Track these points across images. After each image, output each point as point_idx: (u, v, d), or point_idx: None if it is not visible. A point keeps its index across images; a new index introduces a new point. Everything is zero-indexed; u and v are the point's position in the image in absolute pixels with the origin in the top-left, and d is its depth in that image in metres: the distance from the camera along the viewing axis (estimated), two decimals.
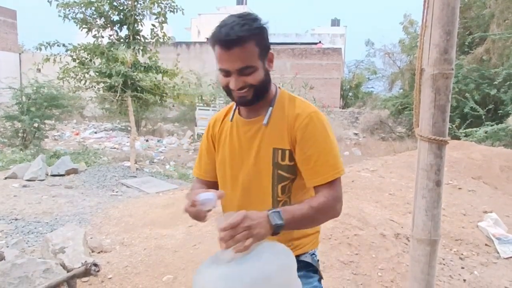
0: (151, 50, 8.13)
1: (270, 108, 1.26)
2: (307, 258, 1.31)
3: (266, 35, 1.20)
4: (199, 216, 1.20)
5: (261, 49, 1.17)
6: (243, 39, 1.12)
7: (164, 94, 8.25)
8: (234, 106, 1.34)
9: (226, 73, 1.18)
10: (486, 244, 3.79)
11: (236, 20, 1.15)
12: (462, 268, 3.28)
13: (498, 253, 3.65)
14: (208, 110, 13.45)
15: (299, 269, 1.09)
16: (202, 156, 1.43)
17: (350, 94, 25.72)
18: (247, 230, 0.98)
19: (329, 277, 2.81)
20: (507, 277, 3.20)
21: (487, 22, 12.02)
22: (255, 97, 1.21)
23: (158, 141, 14.07)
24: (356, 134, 16.82)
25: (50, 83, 10.29)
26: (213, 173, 1.40)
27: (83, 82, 7.86)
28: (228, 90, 1.22)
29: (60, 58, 7.66)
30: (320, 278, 1.34)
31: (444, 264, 3.27)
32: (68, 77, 7.72)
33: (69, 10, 7.56)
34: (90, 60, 7.87)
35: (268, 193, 1.27)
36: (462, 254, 3.56)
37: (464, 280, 3.08)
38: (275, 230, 1.04)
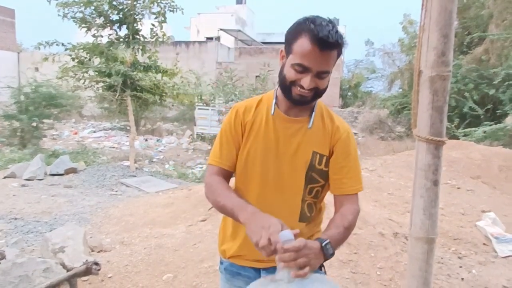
0: (150, 49, 8.14)
1: (313, 112, 1.30)
2: None
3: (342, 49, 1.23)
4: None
5: (337, 59, 1.21)
6: (337, 45, 1.14)
7: (164, 94, 8.26)
8: (274, 100, 1.30)
9: (303, 70, 1.15)
10: (484, 243, 3.81)
11: (330, 25, 1.13)
12: (460, 267, 3.30)
13: (496, 252, 3.67)
14: (208, 109, 13.46)
15: None
16: (224, 143, 1.32)
17: (349, 93, 25.76)
18: (307, 259, 1.01)
19: (328, 276, 2.82)
20: (505, 276, 3.22)
21: (485, 22, 12.05)
22: (312, 100, 1.23)
23: (157, 140, 14.07)
24: (355, 133, 16.85)
25: (49, 82, 10.30)
26: (234, 162, 1.32)
27: (82, 81, 7.87)
28: (288, 85, 1.19)
29: (59, 57, 7.66)
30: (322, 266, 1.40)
31: (442, 263, 3.29)
32: (67, 76, 7.73)
33: (68, 9, 7.56)
34: (89, 60, 7.87)
35: (299, 193, 1.31)
36: (460, 253, 3.58)
37: (462, 279, 3.10)
38: (327, 259, 1.10)
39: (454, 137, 9.55)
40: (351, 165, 1.30)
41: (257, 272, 1.36)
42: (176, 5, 7.90)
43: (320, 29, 1.10)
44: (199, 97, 9.95)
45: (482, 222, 4.14)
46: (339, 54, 1.19)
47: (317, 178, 1.30)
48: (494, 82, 10.45)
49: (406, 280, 1.07)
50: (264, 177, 1.29)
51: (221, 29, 25.47)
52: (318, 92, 1.20)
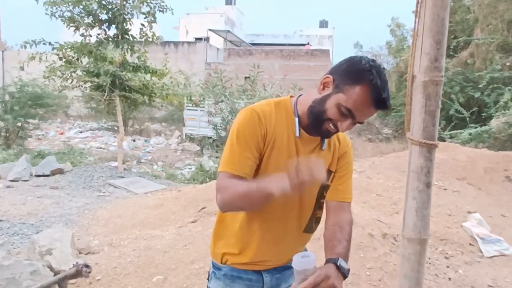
0: (139, 49, 8.08)
1: None
2: None
3: None
4: None
5: None
6: (388, 108, 1.16)
7: (153, 94, 8.21)
8: (297, 119, 1.25)
9: (347, 116, 1.14)
10: (470, 244, 3.88)
11: (388, 88, 1.14)
12: (447, 267, 3.36)
13: (481, 252, 3.75)
14: (197, 110, 13.41)
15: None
16: (243, 150, 1.19)
17: None
18: (331, 284, 1.01)
19: None
20: (490, 275, 3.29)
21: (471, 26, 12.29)
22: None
23: (145, 141, 13.97)
24: None
25: (35, 81, 10.14)
26: (249, 170, 1.20)
27: (69, 81, 7.76)
28: (323, 119, 1.17)
29: (46, 57, 7.54)
30: None
31: (430, 263, 3.34)
32: (54, 76, 7.62)
33: (56, 8, 7.46)
34: (77, 59, 7.77)
35: (311, 208, 1.35)
36: (447, 253, 3.64)
37: (449, 279, 3.15)
38: (346, 276, 1.10)
39: (441, 139, 9.71)
40: (349, 176, 1.38)
41: (259, 274, 1.35)
42: (165, 5, 7.87)
43: (383, 88, 1.10)
44: (188, 97, 9.92)
45: (468, 223, 4.22)
46: None
47: (325, 193, 1.35)
48: (479, 85, 10.65)
49: (398, 280, 1.09)
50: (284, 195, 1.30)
51: (210, 30, 25.42)
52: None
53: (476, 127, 9.60)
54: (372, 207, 4.48)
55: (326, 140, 1.31)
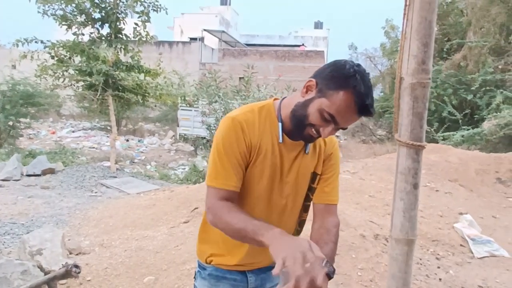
0: (133, 49, 8.04)
1: None
2: None
3: None
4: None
5: None
6: (369, 116, 1.14)
7: (147, 94, 8.17)
8: (280, 125, 1.23)
9: (330, 121, 1.11)
10: (461, 245, 3.91)
11: (372, 93, 1.12)
12: (438, 267, 3.38)
13: (472, 253, 3.78)
14: (191, 110, 13.38)
15: None
16: (229, 162, 1.18)
17: None
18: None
19: None
20: (480, 276, 3.31)
21: (464, 29, 12.40)
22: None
23: (138, 141, 13.91)
24: (337, 136, 17.02)
25: (26, 80, 10.06)
26: (238, 182, 1.21)
27: (61, 80, 7.70)
28: (305, 124, 1.15)
29: (38, 55, 7.48)
30: None
31: (421, 264, 3.36)
32: (46, 74, 7.55)
33: (48, 7, 7.41)
34: (70, 58, 7.72)
35: (297, 213, 1.36)
36: (438, 254, 3.66)
37: (440, 279, 3.17)
38: (331, 278, 1.08)
39: (434, 140, 9.78)
40: (335, 177, 1.34)
41: (244, 275, 1.36)
42: (160, 4, 7.84)
43: (367, 94, 1.08)
44: (182, 97, 9.88)
45: (459, 224, 4.25)
46: None
47: (311, 196, 1.35)
48: (472, 88, 10.75)
49: (386, 281, 1.09)
50: (269, 200, 1.29)
51: (205, 30, 25.38)
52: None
53: (468, 129, 9.68)
54: (365, 208, 4.49)
55: (310, 144, 1.30)
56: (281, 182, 1.27)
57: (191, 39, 26.25)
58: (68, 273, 2.31)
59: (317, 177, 1.33)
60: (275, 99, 1.32)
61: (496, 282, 3.22)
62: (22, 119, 10.48)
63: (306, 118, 1.13)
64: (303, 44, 29.47)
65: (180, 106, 13.61)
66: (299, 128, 1.17)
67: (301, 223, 1.40)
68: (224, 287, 1.35)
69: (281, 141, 1.23)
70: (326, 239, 1.21)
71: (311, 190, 1.33)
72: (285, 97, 1.29)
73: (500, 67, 11.03)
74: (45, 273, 2.94)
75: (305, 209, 1.37)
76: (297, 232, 1.41)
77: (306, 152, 1.28)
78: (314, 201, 1.34)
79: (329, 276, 1.06)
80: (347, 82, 1.08)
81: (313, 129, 1.14)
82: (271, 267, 1.33)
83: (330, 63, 1.17)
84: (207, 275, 1.37)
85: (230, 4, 33.61)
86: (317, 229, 1.26)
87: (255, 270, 1.36)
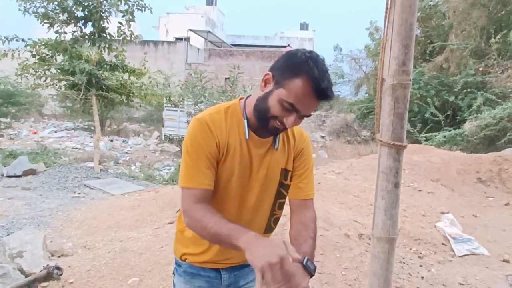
0: (117, 48, 7.94)
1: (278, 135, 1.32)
2: None
3: None
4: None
5: None
6: (331, 98, 1.14)
7: (131, 94, 8.08)
8: (246, 122, 1.25)
9: (291, 110, 1.12)
10: (443, 243, 3.99)
11: (329, 77, 1.12)
12: (421, 266, 3.44)
13: (453, 251, 3.86)
14: (176, 111, 13.29)
15: None
16: (199, 161, 1.20)
17: None
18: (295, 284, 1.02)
19: None
20: (461, 273, 3.38)
21: (446, 32, 12.64)
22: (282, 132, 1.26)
23: (123, 141, 13.73)
24: (323, 137, 17.17)
25: (7, 79, 9.84)
26: (211, 180, 1.23)
27: (43, 79, 7.56)
28: (268, 117, 1.16)
29: (19, 54, 7.32)
30: None
31: (404, 263, 3.41)
32: (27, 73, 7.40)
33: (30, 4, 7.26)
34: (52, 57, 7.58)
35: (269, 209, 1.36)
36: (420, 253, 3.72)
37: (422, 278, 3.23)
38: (312, 275, 1.10)
39: (417, 141, 9.94)
40: (308, 172, 1.35)
41: (217, 272, 1.38)
42: (144, 4, 7.77)
43: (322, 78, 1.09)
44: (168, 98, 9.81)
45: (441, 223, 4.33)
46: None
47: (284, 193, 1.36)
48: (454, 90, 10.97)
49: (368, 278, 1.11)
50: (241, 198, 1.30)
51: (190, 30, 25.25)
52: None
53: (450, 130, 9.87)
54: (349, 208, 4.54)
55: (279, 139, 1.30)
56: (251, 179, 1.29)
57: (177, 39, 26.07)
58: (49, 275, 2.27)
59: (289, 174, 1.34)
60: (241, 98, 1.34)
61: (476, 280, 3.29)
62: (2, 119, 10.28)
63: (268, 111, 1.15)
64: (289, 45, 29.56)
65: (166, 106, 13.51)
66: (263, 122, 1.18)
67: (275, 221, 1.40)
68: (199, 284, 1.38)
69: (247, 138, 1.24)
70: (305, 235, 1.23)
71: (283, 187, 1.34)
72: (250, 95, 1.30)
73: (481, 69, 11.28)
74: (26, 276, 2.88)
75: (279, 206, 1.37)
76: (271, 229, 1.41)
77: (276, 147, 1.29)
78: (289, 197, 1.35)
79: (311, 274, 1.07)
80: (300, 69, 1.09)
81: (277, 121, 1.16)
82: (245, 265, 1.38)
83: (284, 54, 1.19)
84: (182, 272, 1.40)
85: (216, 4, 33.51)
86: (295, 225, 1.28)
87: (229, 268, 1.39)
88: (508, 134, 8.60)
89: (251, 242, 1.03)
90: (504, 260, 3.74)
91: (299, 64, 1.10)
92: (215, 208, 1.22)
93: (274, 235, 1.51)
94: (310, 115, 1.17)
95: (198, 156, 1.20)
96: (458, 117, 10.89)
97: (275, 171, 1.31)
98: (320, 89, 1.09)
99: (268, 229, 1.40)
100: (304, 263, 1.08)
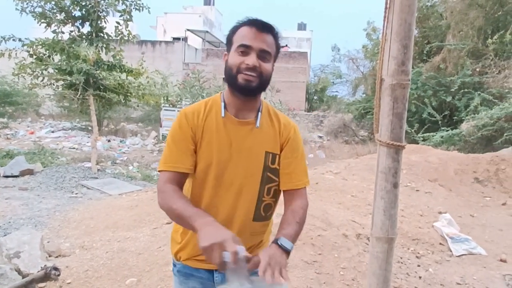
0: (115, 48, 7.92)
1: (259, 112, 1.34)
2: None
3: (280, 46, 1.35)
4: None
5: (276, 49, 1.32)
6: (274, 30, 1.28)
7: (129, 94, 8.06)
8: (222, 103, 1.33)
9: (245, 51, 1.24)
10: (440, 243, 4.00)
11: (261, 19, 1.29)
12: (418, 266, 3.45)
13: (451, 251, 3.87)
14: (174, 111, 13.27)
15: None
16: (175, 147, 1.30)
17: (315, 97, 26.24)
18: (277, 266, 1.08)
19: (293, 277, 2.86)
20: (458, 273, 3.39)
21: (443, 32, 12.68)
22: (258, 87, 1.27)
23: (121, 141, 13.69)
24: (320, 137, 17.18)
25: (4, 79, 9.80)
26: (188, 164, 1.29)
27: (40, 79, 7.53)
28: (234, 74, 1.25)
29: (16, 53, 7.29)
30: None
31: (402, 263, 3.42)
32: (24, 73, 7.37)
33: (27, 4, 7.23)
34: (49, 56, 7.55)
35: (255, 194, 1.34)
36: (418, 252, 3.73)
37: (420, 277, 3.23)
38: (289, 252, 1.18)
39: (414, 141, 9.98)
40: (298, 160, 1.35)
41: (210, 273, 1.38)
42: (142, 3, 7.74)
43: (255, 18, 1.27)
44: (165, 98, 9.80)
45: (439, 223, 4.34)
46: (278, 46, 1.31)
47: (273, 178, 1.34)
48: (451, 90, 11.01)
49: (367, 278, 1.11)
50: (219, 180, 1.31)
51: (188, 30, 25.22)
52: (262, 78, 1.26)
53: (447, 130, 9.91)
54: (347, 207, 4.55)
55: (260, 118, 1.33)
56: (232, 161, 1.30)
57: (174, 39, 26.04)
58: (47, 276, 2.26)
59: (276, 158, 1.33)
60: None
61: (474, 279, 3.30)
62: None
63: (232, 69, 1.26)
64: (286, 45, 29.58)
65: (163, 106, 13.49)
66: (233, 82, 1.27)
67: (266, 208, 1.36)
68: (193, 284, 1.39)
69: (223, 115, 1.31)
70: (290, 220, 1.26)
71: (271, 171, 1.33)
72: None
73: (478, 69, 11.33)
74: (23, 277, 2.87)
75: (268, 192, 1.34)
76: (262, 217, 1.37)
77: (257, 125, 1.32)
78: (282, 188, 1.35)
79: (287, 251, 1.15)
80: (237, 25, 1.29)
81: (242, 72, 1.24)
82: None
83: None
84: (177, 271, 1.43)
85: (213, 4, 33.49)
86: (285, 213, 1.31)
87: None
88: (505, 134, 8.63)
89: (205, 224, 1.11)
90: (501, 260, 3.75)
91: (235, 25, 1.29)
92: (197, 191, 1.32)
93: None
94: (268, 52, 1.25)
95: (173, 142, 1.31)
96: (455, 117, 10.93)
97: (259, 153, 1.31)
98: (253, 20, 1.25)
99: (259, 216, 1.35)
100: (279, 243, 1.15)
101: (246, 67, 1.23)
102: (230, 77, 1.27)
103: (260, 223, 1.38)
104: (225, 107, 1.32)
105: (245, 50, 1.23)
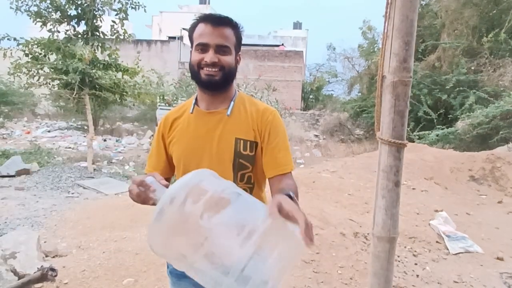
0: (110, 47, 7.88)
1: (232, 102, 1.36)
2: None
3: (241, 35, 1.36)
4: (145, 198, 1.17)
5: (237, 41, 1.32)
6: (228, 22, 1.29)
7: (124, 93, 8.03)
8: (194, 100, 1.39)
9: (203, 48, 1.27)
10: (437, 241, 4.01)
11: (219, 14, 1.31)
12: (415, 264, 3.46)
13: (447, 249, 3.88)
14: (170, 109, 13.23)
15: None
16: (153, 154, 1.45)
17: (311, 96, 26.23)
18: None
19: (291, 276, 2.86)
20: (455, 271, 3.41)
21: (438, 31, 12.72)
22: (222, 81, 1.29)
23: (116, 140, 13.62)
24: (316, 135, 17.19)
25: None
26: (164, 169, 1.41)
27: (36, 78, 7.48)
28: (196, 70, 1.29)
29: (11, 53, 7.24)
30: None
31: (399, 261, 3.43)
32: (20, 72, 7.32)
33: (22, 2, 7.18)
34: (45, 56, 7.50)
35: (229, 180, 1.32)
36: (415, 251, 3.74)
37: (417, 276, 3.24)
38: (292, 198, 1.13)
39: (410, 139, 10.00)
40: (281, 145, 1.34)
41: None
42: (138, 2, 7.72)
43: (209, 14, 1.29)
44: (161, 97, 9.76)
45: (435, 221, 4.36)
46: (238, 36, 1.33)
47: (246, 164, 1.34)
48: (446, 88, 11.04)
49: (369, 278, 1.10)
50: (191, 170, 1.30)
51: (184, 29, 25.14)
52: (225, 71, 1.28)
53: (443, 129, 9.94)
54: (344, 206, 4.55)
55: (233, 107, 1.34)
56: (204, 152, 1.34)
57: (170, 38, 25.96)
58: (44, 276, 2.24)
59: (248, 144, 1.33)
60: None
61: (471, 277, 3.32)
62: None
63: (194, 66, 1.30)
64: (282, 44, 29.60)
65: (159, 105, 13.42)
66: (197, 79, 1.31)
67: None
68: (185, 285, 1.38)
69: (191, 112, 1.37)
70: (284, 190, 1.17)
71: (243, 157, 1.32)
72: None
73: (473, 68, 11.38)
74: (19, 277, 2.84)
75: (241, 178, 1.34)
76: None
77: (228, 113, 1.34)
78: (267, 176, 1.34)
79: (290, 196, 1.06)
80: (194, 23, 1.31)
81: (203, 68, 1.28)
82: None
83: None
84: (169, 272, 1.45)
85: (209, 3, 33.43)
86: (275, 193, 1.27)
87: None
88: (500, 132, 8.68)
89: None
90: (498, 258, 3.77)
91: (192, 23, 1.32)
92: None
93: None
94: (225, 45, 1.27)
95: (152, 146, 1.46)
96: (451, 116, 10.97)
97: (228, 140, 1.32)
98: (210, 17, 1.28)
99: None
100: (287, 194, 1.07)
101: (205, 64, 1.27)
102: (194, 74, 1.31)
103: None
104: (196, 103, 1.39)
105: (203, 47, 1.27)
